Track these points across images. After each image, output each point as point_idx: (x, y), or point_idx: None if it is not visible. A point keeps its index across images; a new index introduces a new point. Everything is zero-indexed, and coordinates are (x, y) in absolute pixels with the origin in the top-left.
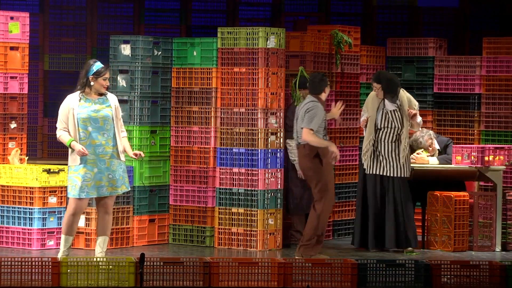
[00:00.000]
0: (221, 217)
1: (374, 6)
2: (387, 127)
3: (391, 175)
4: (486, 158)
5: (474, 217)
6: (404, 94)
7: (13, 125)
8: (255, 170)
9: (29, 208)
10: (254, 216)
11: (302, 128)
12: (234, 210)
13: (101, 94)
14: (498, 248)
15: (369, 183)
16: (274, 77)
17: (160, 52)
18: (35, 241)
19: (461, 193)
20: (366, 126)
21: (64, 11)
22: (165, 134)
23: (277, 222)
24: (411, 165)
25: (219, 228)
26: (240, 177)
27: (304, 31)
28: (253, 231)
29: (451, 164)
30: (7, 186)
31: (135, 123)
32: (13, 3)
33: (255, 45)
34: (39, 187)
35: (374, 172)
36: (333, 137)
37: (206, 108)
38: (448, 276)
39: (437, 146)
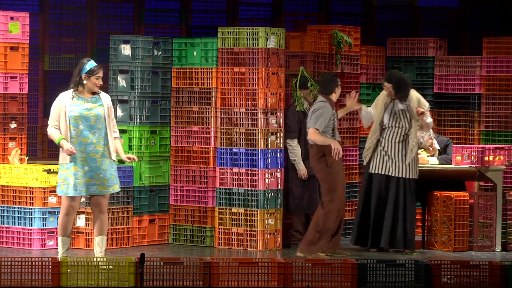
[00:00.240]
0: (221, 217)
1: (374, 6)
2: (395, 126)
3: (396, 175)
4: (486, 158)
5: (474, 217)
6: (414, 94)
7: (13, 125)
8: (255, 170)
9: (29, 208)
10: (254, 216)
11: (309, 128)
12: (234, 210)
13: (94, 93)
14: (498, 248)
15: (374, 182)
16: (274, 77)
17: (160, 52)
18: (35, 241)
19: (461, 193)
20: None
21: (64, 11)
22: (165, 134)
23: (277, 222)
24: None
25: (219, 228)
26: (240, 177)
27: (304, 31)
28: (253, 231)
29: (451, 164)
30: (7, 186)
31: (135, 123)
32: (13, 3)
33: (255, 45)
34: (39, 187)
35: (379, 172)
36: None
37: (206, 108)
38: (448, 276)
39: (437, 146)
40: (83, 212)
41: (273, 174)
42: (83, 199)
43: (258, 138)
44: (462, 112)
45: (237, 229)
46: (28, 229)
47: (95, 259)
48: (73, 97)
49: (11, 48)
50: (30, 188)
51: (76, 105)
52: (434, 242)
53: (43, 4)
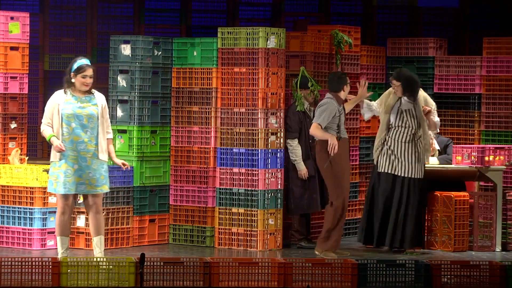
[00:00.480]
0: (221, 217)
1: (374, 6)
2: (402, 126)
3: (402, 174)
4: (486, 158)
5: (474, 217)
6: (421, 93)
7: (13, 125)
8: (255, 170)
9: (29, 208)
10: (254, 216)
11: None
12: (234, 210)
13: (89, 92)
14: (498, 248)
15: (381, 181)
16: (274, 77)
17: (160, 52)
18: (36, 241)
19: (461, 193)
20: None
21: (64, 11)
22: (165, 134)
23: (277, 222)
24: None
25: (219, 228)
26: (240, 177)
27: (304, 31)
28: (253, 231)
29: (451, 164)
30: (7, 186)
31: (135, 123)
32: (13, 3)
33: (255, 45)
34: (39, 187)
35: (386, 171)
36: None
37: (206, 108)
38: (448, 276)
39: (437, 147)
40: (83, 212)
41: (273, 174)
42: (80, 200)
43: (258, 138)
44: (462, 112)
45: (237, 229)
46: (28, 229)
47: (95, 259)
48: (67, 95)
49: (11, 48)
50: (30, 188)
51: (69, 103)
52: (434, 242)
53: (43, 4)
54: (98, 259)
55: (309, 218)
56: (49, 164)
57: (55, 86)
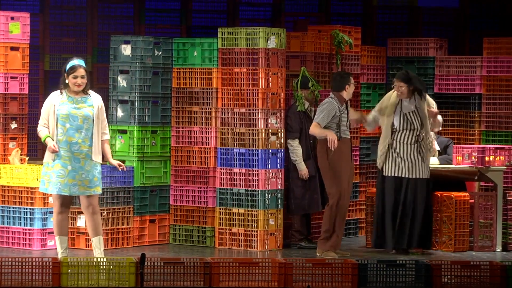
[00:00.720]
0: (222, 217)
1: (374, 7)
2: (406, 129)
3: (409, 176)
4: (487, 159)
5: (475, 217)
6: None
7: (13, 125)
8: (255, 170)
9: (30, 208)
10: (254, 216)
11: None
12: (234, 210)
13: (85, 93)
14: (498, 248)
15: (389, 185)
16: (274, 77)
17: (160, 52)
18: (36, 241)
19: (462, 194)
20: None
21: (64, 11)
22: (165, 134)
23: (277, 222)
24: None
25: (219, 228)
26: (241, 177)
27: (305, 31)
28: (254, 231)
29: (451, 164)
30: (8, 186)
31: (135, 123)
32: (14, 3)
33: (255, 45)
34: None
35: (392, 174)
36: None
37: (206, 108)
38: (449, 277)
39: (437, 147)
40: (83, 212)
41: (274, 174)
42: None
43: (259, 138)
44: (463, 113)
45: (238, 229)
46: (29, 229)
47: (95, 259)
48: (63, 96)
49: (12, 48)
50: (31, 188)
51: (65, 104)
52: (434, 242)
53: (43, 4)
54: (99, 259)
55: (310, 218)
56: None
57: (55, 86)
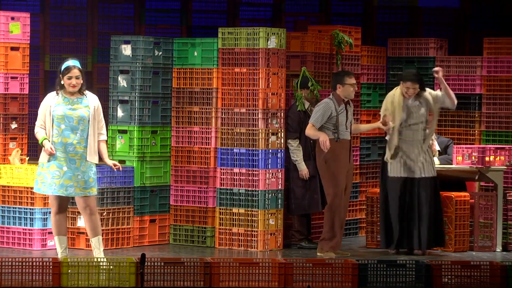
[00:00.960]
0: (222, 218)
1: (375, 7)
2: (412, 124)
3: (419, 176)
4: (487, 159)
5: (475, 217)
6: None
7: (13, 125)
8: (255, 171)
9: (30, 209)
10: (254, 217)
11: None
12: (234, 210)
13: (81, 94)
14: (498, 248)
15: (396, 186)
16: (274, 78)
17: (160, 53)
18: (36, 241)
19: (462, 194)
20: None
21: (64, 11)
22: (165, 135)
23: (277, 222)
24: None
25: (219, 229)
26: (241, 177)
27: (305, 32)
28: (254, 231)
29: (451, 164)
30: (8, 187)
31: (135, 124)
32: (14, 4)
33: (255, 45)
34: None
35: (399, 175)
36: None
37: (206, 109)
38: (449, 277)
39: (437, 147)
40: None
41: (274, 175)
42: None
43: (259, 139)
44: (463, 113)
45: (238, 230)
46: (29, 229)
47: (95, 259)
48: (58, 97)
49: (12, 49)
50: (31, 188)
51: (60, 105)
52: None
53: (43, 5)
54: (99, 259)
55: (310, 218)
56: None
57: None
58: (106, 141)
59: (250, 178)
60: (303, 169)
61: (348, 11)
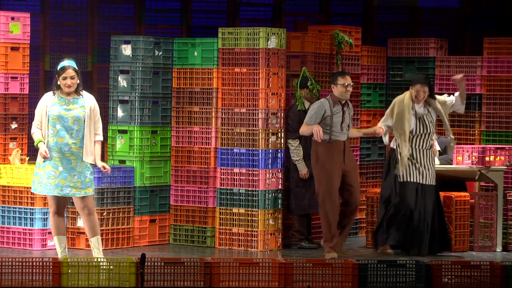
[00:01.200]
0: (222, 218)
1: (375, 7)
2: (422, 133)
3: (430, 183)
4: (487, 159)
5: (475, 217)
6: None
7: (14, 125)
8: (255, 171)
9: (30, 209)
10: (254, 217)
11: None
12: (234, 210)
13: (77, 94)
14: (499, 248)
15: (407, 190)
16: (275, 78)
17: (161, 53)
18: (36, 241)
19: (462, 194)
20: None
21: (65, 11)
22: (166, 135)
23: (278, 222)
24: None
25: (219, 229)
26: (241, 177)
27: (305, 32)
28: (254, 231)
29: (452, 164)
30: (8, 187)
31: (136, 124)
32: (14, 3)
33: (256, 45)
34: None
35: (413, 180)
36: None
37: (207, 109)
38: (449, 277)
39: (437, 147)
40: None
41: (274, 175)
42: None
43: (259, 139)
44: (463, 113)
45: (238, 230)
46: (29, 229)
47: (95, 259)
48: (55, 97)
49: (12, 49)
50: (31, 188)
51: (56, 105)
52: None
53: (44, 5)
54: (99, 259)
55: (310, 218)
56: None
57: None
58: (102, 141)
59: (250, 178)
60: (303, 169)
61: (348, 11)
